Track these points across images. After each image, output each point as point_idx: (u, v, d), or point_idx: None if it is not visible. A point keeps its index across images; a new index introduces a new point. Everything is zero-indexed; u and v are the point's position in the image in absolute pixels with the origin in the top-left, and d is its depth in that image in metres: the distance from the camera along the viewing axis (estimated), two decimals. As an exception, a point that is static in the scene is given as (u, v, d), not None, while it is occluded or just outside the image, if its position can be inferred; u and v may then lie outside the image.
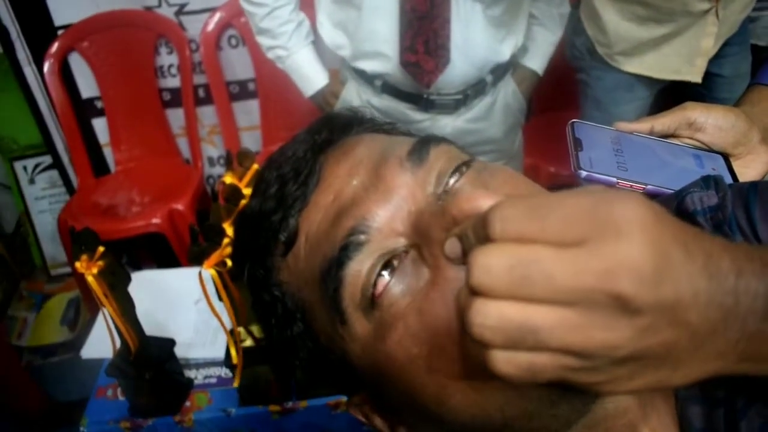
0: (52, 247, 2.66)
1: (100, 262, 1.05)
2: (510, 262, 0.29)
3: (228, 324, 1.15)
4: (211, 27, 2.26)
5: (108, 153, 2.50)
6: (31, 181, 2.62)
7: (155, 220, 2.16)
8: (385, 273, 0.41)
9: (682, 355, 0.31)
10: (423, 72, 1.48)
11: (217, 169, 2.57)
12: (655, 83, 1.71)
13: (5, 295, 2.58)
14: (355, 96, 1.63)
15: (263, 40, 1.68)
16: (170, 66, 2.38)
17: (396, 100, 1.58)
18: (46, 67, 2.25)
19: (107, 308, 1.09)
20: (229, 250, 1.05)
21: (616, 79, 1.72)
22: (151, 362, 1.17)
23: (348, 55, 1.58)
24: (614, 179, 0.57)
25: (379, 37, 1.49)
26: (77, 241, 1.05)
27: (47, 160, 2.56)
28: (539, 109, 2.41)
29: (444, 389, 0.40)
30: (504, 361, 0.30)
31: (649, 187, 0.57)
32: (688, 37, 1.59)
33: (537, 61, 1.71)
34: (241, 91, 2.42)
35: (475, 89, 1.57)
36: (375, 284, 0.41)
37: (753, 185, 0.52)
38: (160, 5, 2.27)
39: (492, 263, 0.29)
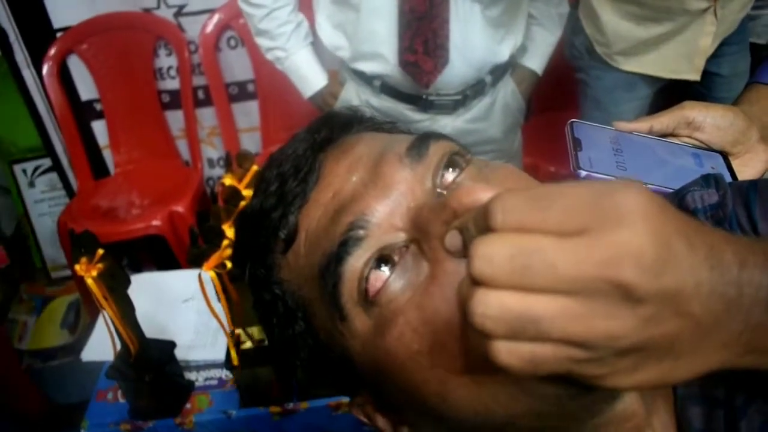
0: (52, 250, 2.66)
1: (100, 265, 1.05)
2: (511, 252, 0.29)
3: (228, 325, 1.15)
4: (210, 28, 2.26)
5: (107, 155, 2.50)
6: (31, 184, 2.62)
7: (155, 222, 2.16)
8: (385, 268, 0.41)
9: (685, 347, 0.31)
10: (422, 72, 1.48)
11: (217, 171, 2.57)
12: (654, 82, 1.71)
13: (5, 298, 2.58)
14: (354, 97, 1.63)
15: (262, 42, 1.68)
16: (169, 68, 2.38)
17: (395, 101, 1.58)
18: (44, 69, 2.25)
19: (107, 311, 1.09)
20: (228, 251, 1.05)
21: (615, 78, 1.72)
22: (151, 364, 1.17)
23: (347, 56, 1.58)
24: (613, 179, 0.57)
25: (377, 38, 1.49)
26: (77, 243, 1.05)
27: (47, 162, 2.56)
28: (538, 108, 2.41)
29: (446, 385, 0.39)
30: (506, 351, 0.30)
31: (648, 186, 0.57)
32: (687, 36, 1.59)
33: (536, 61, 1.71)
34: (241, 93, 2.42)
35: (475, 89, 1.57)
36: (368, 279, 0.41)
37: (753, 183, 0.52)
38: (158, 7, 2.27)
39: (493, 253, 0.29)
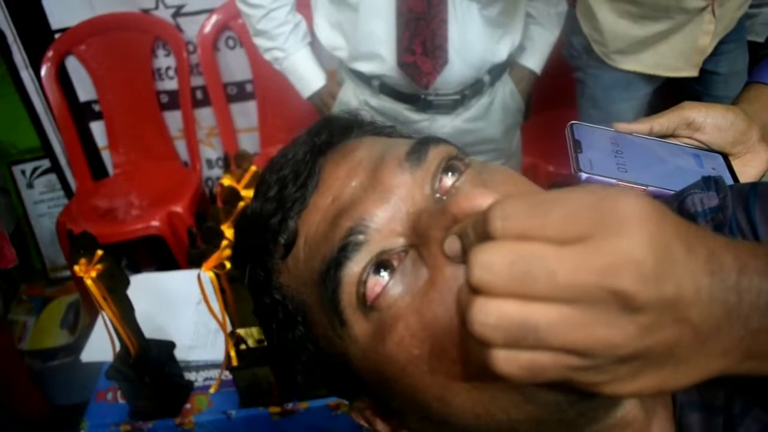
0: (51, 251, 2.66)
1: (99, 266, 1.05)
2: (510, 260, 0.29)
3: (228, 326, 1.15)
4: (208, 29, 2.26)
5: (106, 156, 2.50)
6: (30, 185, 2.61)
7: (154, 223, 2.16)
8: (384, 273, 0.41)
9: (685, 353, 0.31)
10: (421, 73, 1.48)
11: (216, 171, 2.57)
12: (651, 81, 1.71)
13: (5, 298, 2.58)
14: (352, 97, 1.63)
15: (260, 42, 1.68)
16: (168, 68, 2.38)
17: (394, 101, 1.58)
18: (43, 70, 2.25)
19: (106, 311, 1.09)
20: (227, 252, 1.05)
21: (613, 77, 1.72)
22: (150, 365, 1.17)
23: (345, 56, 1.58)
24: (614, 181, 0.57)
25: (376, 38, 1.49)
26: (76, 244, 1.05)
27: (45, 163, 2.56)
28: (537, 108, 2.41)
29: (446, 389, 0.39)
30: (505, 360, 0.30)
31: (649, 188, 0.58)
32: (685, 35, 1.59)
33: (535, 61, 1.71)
34: (239, 93, 2.42)
35: (473, 89, 1.57)
36: (366, 283, 0.41)
37: (753, 187, 0.51)
38: (157, 7, 2.26)
39: (493, 260, 0.29)
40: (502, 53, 1.56)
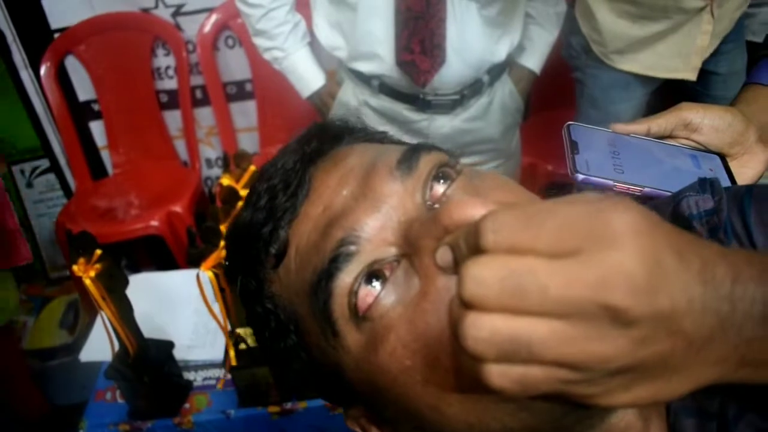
0: (50, 251, 2.66)
1: (98, 265, 1.05)
2: (502, 274, 0.29)
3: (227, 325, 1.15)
4: (207, 28, 2.26)
5: (105, 156, 2.50)
6: (29, 185, 2.61)
7: (153, 223, 2.16)
8: (376, 284, 0.40)
9: (679, 364, 0.31)
10: (419, 71, 1.48)
11: (215, 171, 2.57)
12: (650, 81, 1.71)
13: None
14: (351, 97, 1.63)
15: (260, 42, 1.68)
16: (167, 68, 2.38)
17: (393, 101, 1.58)
18: (42, 70, 2.25)
19: (105, 311, 1.09)
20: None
21: (612, 77, 1.72)
22: (149, 365, 1.17)
23: (344, 56, 1.58)
24: (611, 182, 0.57)
25: (375, 38, 1.49)
26: (75, 244, 1.05)
27: (45, 163, 2.56)
28: (536, 108, 2.41)
29: (439, 399, 0.39)
30: (497, 374, 0.30)
31: (646, 189, 0.57)
32: (683, 35, 1.59)
33: (534, 60, 1.71)
34: (239, 92, 2.42)
35: (472, 89, 1.57)
36: (357, 294, 0.41)
37: (748, 190, 0.51)
38: (156, 7, 2.26)
39: (484, 275, 0.29)
40: (501, 53, 1.56)
